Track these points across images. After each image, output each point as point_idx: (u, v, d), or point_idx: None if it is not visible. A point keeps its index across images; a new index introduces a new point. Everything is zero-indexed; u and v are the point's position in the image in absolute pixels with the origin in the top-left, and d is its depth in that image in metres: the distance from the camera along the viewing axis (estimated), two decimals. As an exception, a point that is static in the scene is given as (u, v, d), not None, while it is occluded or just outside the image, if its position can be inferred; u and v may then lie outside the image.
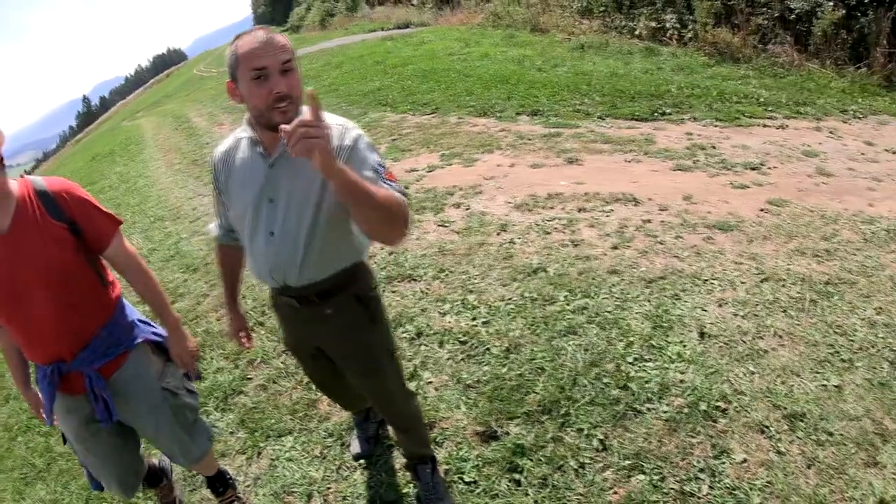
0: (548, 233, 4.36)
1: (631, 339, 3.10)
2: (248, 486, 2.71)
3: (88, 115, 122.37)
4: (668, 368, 2.88)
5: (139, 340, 2.02)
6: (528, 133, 6.85)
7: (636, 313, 3.30)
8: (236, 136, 1.83)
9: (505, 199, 5.08)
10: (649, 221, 4.33)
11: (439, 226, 4.77)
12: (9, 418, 3.83)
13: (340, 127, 1.67)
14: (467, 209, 4.96)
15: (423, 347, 3.32)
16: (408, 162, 6.51)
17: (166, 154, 11.30)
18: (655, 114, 7.03)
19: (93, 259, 1.88)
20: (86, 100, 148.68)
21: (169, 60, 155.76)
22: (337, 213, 1.70)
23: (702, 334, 3.10)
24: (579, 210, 4.66)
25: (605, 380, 2.84)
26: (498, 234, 4.47)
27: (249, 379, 3.43)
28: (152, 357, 2.08)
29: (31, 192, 1.75)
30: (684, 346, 3.02)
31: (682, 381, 2.78)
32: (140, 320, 2.09)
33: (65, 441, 2.15)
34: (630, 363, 2.93)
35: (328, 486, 2.60)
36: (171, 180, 8.95)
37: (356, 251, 1.88)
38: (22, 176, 1.81)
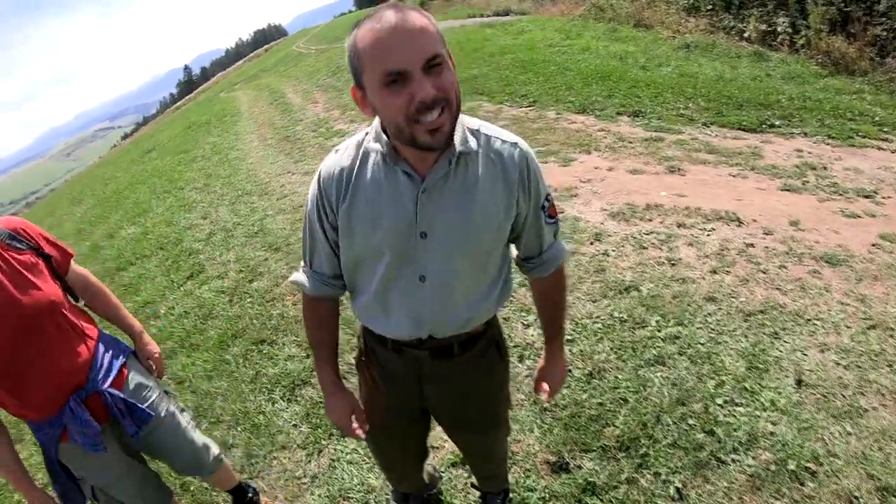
0: (644, 247, 4.13)
1: (723, 378, 2.87)
2: (304, 483, 2.70)
3: (189, 83, 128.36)
4: (759, 417, 2.64)
5: (128, 352, 2.02)
6: (628, 135, 6.54)
7: (731, 349, 3.06)
8: (359, 146, 1.34)
9: (601, 206, 4.86)
10: (752, 246, 4.02)
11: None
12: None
13: (513, 148, 1.33)
14: (561, 212, 4.75)
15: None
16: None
17: (260, 128, 11.60)
18: (763, 125, 6.54)
19: (64, 283, 1.88)
20: (187, 69, 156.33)
21: (269, 35, 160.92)
22: (500, 252, 1.46)
23: (799, 382, 2.82)
24: (679, 225, 4.39)
25: (691, 421, 2.64)
26: (591, 243, 4.28)
27: (320, 371, 3.40)
28: (142, 366, 2.08)
29: None
30: (779, 393, 2.76)
31: (772, 434, 2.54)
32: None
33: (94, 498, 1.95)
34: (719, 405, 2.71)
35: (386, 495, 2.53)
36: (262, 154, 9.17)
37: (509, 293, 1.57)
38: None
